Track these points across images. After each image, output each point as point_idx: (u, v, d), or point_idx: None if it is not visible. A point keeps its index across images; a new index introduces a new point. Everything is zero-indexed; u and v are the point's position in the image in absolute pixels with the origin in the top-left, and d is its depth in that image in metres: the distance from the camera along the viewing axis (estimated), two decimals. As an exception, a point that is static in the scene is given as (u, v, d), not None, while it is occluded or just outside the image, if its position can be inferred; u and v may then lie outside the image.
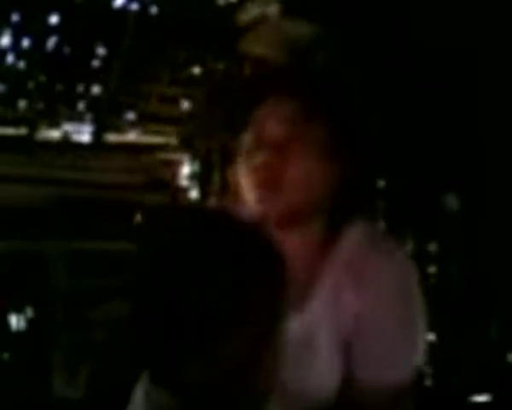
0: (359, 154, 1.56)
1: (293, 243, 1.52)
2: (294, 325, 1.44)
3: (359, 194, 1.58)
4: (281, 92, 1.54)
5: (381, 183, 3.10)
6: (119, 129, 4.49)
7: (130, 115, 4.50)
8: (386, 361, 1.52)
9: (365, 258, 1.53)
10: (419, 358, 1.54)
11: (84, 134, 4.45)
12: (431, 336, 2.78)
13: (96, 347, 3.70)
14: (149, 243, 1.25)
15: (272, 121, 1.52)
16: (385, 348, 1.52)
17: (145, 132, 4.53)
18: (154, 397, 1.20)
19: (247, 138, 1.54)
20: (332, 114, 1.53)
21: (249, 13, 3.15)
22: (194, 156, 4.26)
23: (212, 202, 3.90)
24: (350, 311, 1.51)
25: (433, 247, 3.40)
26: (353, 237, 1.55)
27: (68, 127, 4.44)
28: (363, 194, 1.59)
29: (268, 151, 1.50)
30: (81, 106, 4.45)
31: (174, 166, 4.34)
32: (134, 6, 4.25)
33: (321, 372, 1.51)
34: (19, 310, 4.06)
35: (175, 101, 4.44)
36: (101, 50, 4.36)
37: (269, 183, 1.49)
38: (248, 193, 1.52)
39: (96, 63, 4.39)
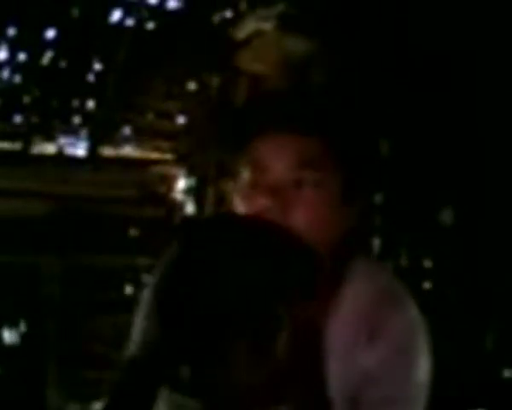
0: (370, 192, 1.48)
1: None
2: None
3: (362, 233, 1.49)
4: (284, 126, 1.37)
5: (378, 198, 3.11)
6: (114, 143, 4.50)
7: (126, 130, 4.51)
8: None
9: (378, 310, 1.43)
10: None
11: (79, 148, 4.45)
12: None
13: (92, 359, 3.69)
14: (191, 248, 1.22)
15: (278, 163, 1.35)
16: (390, 403, 1.44)
17: (140, 147, 4.53)
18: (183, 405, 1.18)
19: (244, 175, 1.38)
20: (347, 155, 1.39)
21: (245, 28, 3.17)
22: (190, 171, 4.26)
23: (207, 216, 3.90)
24: (361, 366, 1.42)
25: (428, 262, 3.40)
26: (359, 281, 1.44)
27: (63, 141, 4.44)
28: (364, 232, 1.52)
29: (270, 195, 1.34)
30: (76, 120, 4.45)
31: (169, 180, 4.35)
32: (130, 21, 4.26)
33: None
34: (12, 323, 4.05)
35: (170, 115, 4.45)
36: (96, 65, 4.37)
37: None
38: None
39: (91, 78, 4.39)
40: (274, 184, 1.35)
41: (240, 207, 1.38)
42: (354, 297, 1.43)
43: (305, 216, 1.35)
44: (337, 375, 1.40)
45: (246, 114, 1.43)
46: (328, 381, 1.37)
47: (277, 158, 1.35)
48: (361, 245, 1.48)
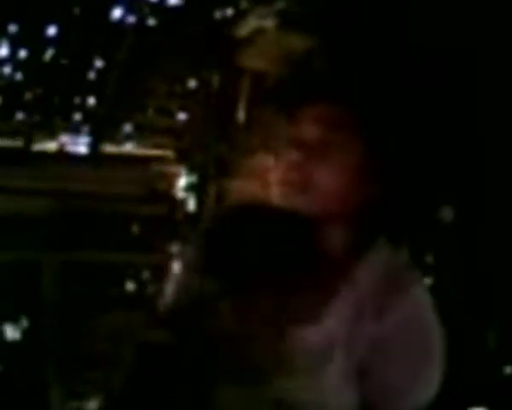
0: (392, 178, 1.54)
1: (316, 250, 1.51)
2: (308, 335, 1.45)
3: (385, 219, 1.55)
4: (317, 98, 1.49)
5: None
6: (115, 141, 4.50)
7: (127, 127, 4.51)
8: (401, 392, 1.50)
9: (389, 291, 1.48)
10: (433, 390, 1.52)
11: (80, 146, 4.45)
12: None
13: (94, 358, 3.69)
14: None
15: (310, 123, 1.48)
16: (400, 379, 1.49)
17: (141, 144, 4.54)
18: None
19: (280, 135, 1.51)
20: (372, 123, 1.50)
21: (246, 26, 3.17)
22: (191, 168, 4.27)
23: (209, 213, 3.90)
24: (367, 338, 1.47)
25: (429, 258, 3.41)
26: (377, 264, 1.51)
27: (65, 139, 4.44)
28: (388, 219, 1.56)
29: (302, 151, 1.46)
30: (78, 117, 4.46)
31: (170, 177, 4.35)
32: (131, 19, 4.26)
33: (330, 388, 1.48)
34: (13, 320, 4.06)
35: (172, 113, 4.45)
36: (98, 63, 4.37)
37: (298, 183, 1.46)
38: (275, 188, 1.49)
39: (92, 75, 4.39)
40: (304, 140, 1.47)
41: (273, 163, 1.51)
42: (371, 278, 1.50)
43: (330, 176, 1.46)
44: (343, 337, 1.47)
45: (285, 89, 1.55)
46: (332, 340, 1.46)
47: (308, 118, 1.48)
48: (385, 233, 1.55)
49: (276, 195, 1.49)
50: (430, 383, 1.52)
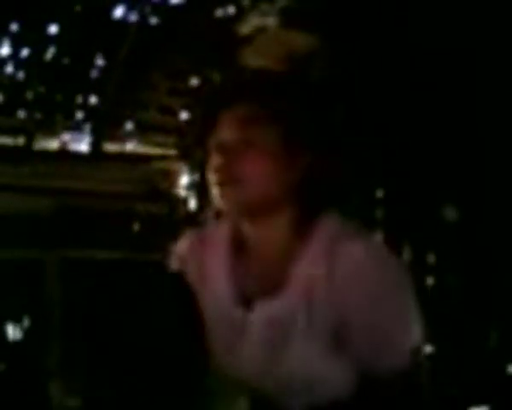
0: (315, 156, 1.67)
1: (267, 232, 1.68)
2: (266, 309, 1.62)
3: (326, 192, 1.69)
4: (242, 98, 1.68)
5: (380, 193, 3.11)
6: (117, 139, 4.50)
7: (129, 125, 4.51)
8: (383, 345, 1.59)
9: (336, 243, 1.63)
10: (415, 331, 1.61)
11: (82, 144, 4.45)
12: (429, 347, 2.78)
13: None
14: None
15: (226, 126, 1.68)
16: (376, 334, 1.60)
17: (143, 142, 4.54)
18: None
19: (211, 142, 1.71)
20: (281, 118, 1.66)
21: (248, 25, 3.16)
22: (193, 167, 4.26)
23: (210, 211, 3.90)
24: (325, 294, 1.61)
25: (431, 258, 3.40)
26: (324, 230, 1.66)
27: (66, 137, 4.44)
28: (330, 192, 1.69)
29: (223, 153, 1.66)
30: (79, 116, 4.45)
31: (172, 176, 4.35)
32: (133, 17, 4.26)
33: (295, 357, 1.60)
34: (15, 319, 4.06)
35: (173, 111, 4.45)
36: (99, 61, 4.37)
37: (226, 181, 1.65)
38: (214, 190, 1.68)
39: (94, 73, 4.39)
40: (225, 144, 1.66)
41: (208, 169, 1.69)
42: (318, 242, 1.65)
43: (251, 169, 1.64)
44: (301, 305, 1.61)
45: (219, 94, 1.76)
46: (291, 310, 1.61)
47: (227, 124, 1.68)
48: (331, 204, 1.69)
49: (215, 196, 1.68)
50: (406, 318, 1.61)
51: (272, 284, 1.65)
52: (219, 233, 1.77)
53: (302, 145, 1.67)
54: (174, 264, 1.81)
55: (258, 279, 1.68)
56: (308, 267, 1.63)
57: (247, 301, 1.66)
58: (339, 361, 1.60)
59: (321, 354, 1.60)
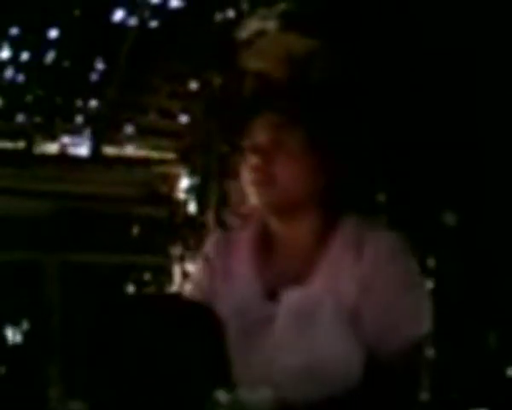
0: (342, 161, 1.81)
1: (295, 230, 1.82)
2: (296, 296, 1.72)
3: (350, 194, 1.84)
4: (273, 105, 1.83)
5: (381, 197, 3.11)
6: (117, 142, 4.50)
7: (129, 129, 4.51)
8: (396, 321, 1.69)
9: (361, 236, 1.77)
10: (425, 324, 1.73)
11: (82, 147, 4.45)
12: (428, 349, 2.79)
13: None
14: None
15: (259, 129, 1.84)
16: (392, 310, 1.70)
17: (143, 146, 4.54)
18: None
19: (245, 145, 1.85)
20: (313, 124, 1.81)
21: (248, 28, 3.17)
22: (193, 170, 4.26)
23: (210, 215, 3.90)
24: (351, 282, 1.72)
25: (431, 262, 3.40)
26: (349, 225, 1.80)
27: (66, 141, 4.44)
28: (354, 194, 1.84)
29: (258, 155, 1.81)
30: (79, 119, 4.46)
31: (172, 179, 4.35)
32: (133, 20, 4.27)
33: (324, 344, 1.67)
34: (14, 322, 4.06)
35: (173, 115, 4.45)
36: (99, 64, 4.37)
37: (260, 182, 1.81)
38: (248, 190, 1.83)
39: (94, 77, 4.39)
40: (259, 146, 1.82)
41: (243, 171, 1.84)
42: (344, 235, 1.79)
43: (282, 171, 1.79)
44: (330, 290, 1.72)
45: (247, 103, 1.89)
46: (320, 296, 1.71)
47: (258, 125, 1.84)
48: (355, 205, 1.84)
49: (250, 196, 1.83)
50: (419, 309, 1.73)
51: (298, 277, 1.76)
52: (245, 234, 1.91)
53: (325, 149, 1.81)
54: (200, 263, 1.94)
55: (285, 274, 1.79)
56: (334, 258, 1.76)
57: (273, 294, 1.77)
58: (356, 345, 1.68)
59: (343, 337, 1.68)
